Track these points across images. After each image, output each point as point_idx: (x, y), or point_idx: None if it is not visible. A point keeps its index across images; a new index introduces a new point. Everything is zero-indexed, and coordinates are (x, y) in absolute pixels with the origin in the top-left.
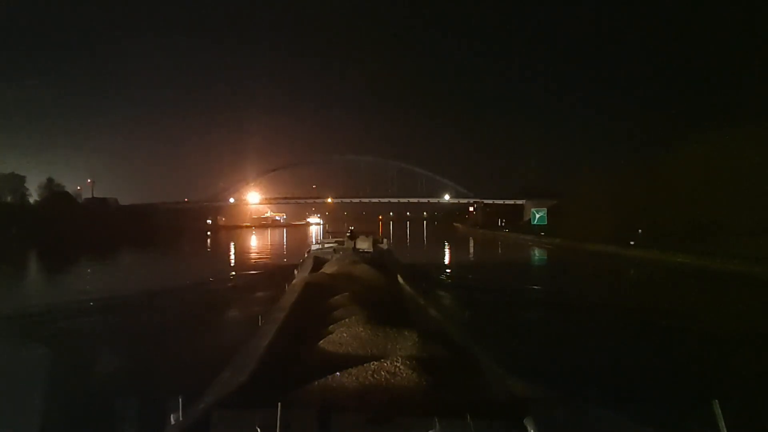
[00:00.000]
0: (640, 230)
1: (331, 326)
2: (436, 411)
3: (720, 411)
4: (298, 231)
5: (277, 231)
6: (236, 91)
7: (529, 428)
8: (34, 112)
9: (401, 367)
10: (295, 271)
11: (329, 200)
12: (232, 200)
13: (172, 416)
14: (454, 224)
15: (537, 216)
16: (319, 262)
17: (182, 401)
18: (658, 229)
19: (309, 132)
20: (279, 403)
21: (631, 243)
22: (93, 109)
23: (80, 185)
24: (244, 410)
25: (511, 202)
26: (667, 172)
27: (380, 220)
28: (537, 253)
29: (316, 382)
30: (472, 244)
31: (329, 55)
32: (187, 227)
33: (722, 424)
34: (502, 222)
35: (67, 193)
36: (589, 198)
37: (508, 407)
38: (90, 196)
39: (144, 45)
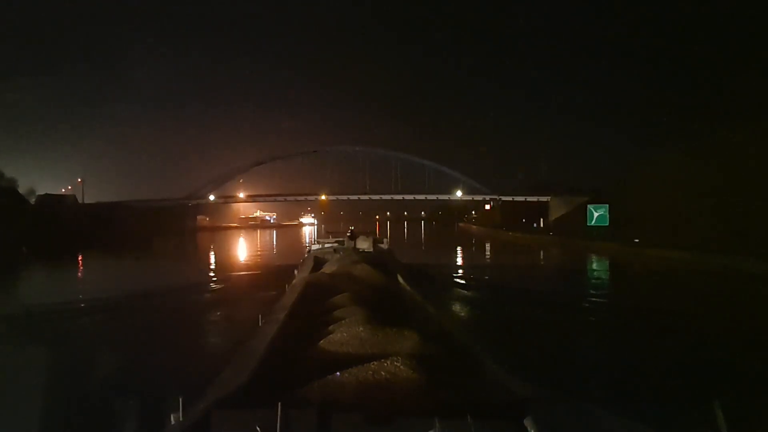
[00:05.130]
0: None
1: (331, 326)
2: (436, 411)
3: (720, 411)
4: (291, 232)
5: (267, 232)
6: (221, 79)
7: (529, 428)
8: (7, 112)
9: (401, 367)
10: (295, 271)
11: (323, 197)
12: (212, 197)
13: (172, 416)
14: (460, 224)
15: (595, 215)
16: (319, 262)
17: (182, 401)
18: None
19: (303, 124)
20: (279, 403)
21: None
22: (63, 104)
23: (64, 186)
24: (244, 410)
25: (534, 198)
26: None
27: (377, 220)
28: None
29: (316, 382)
30: (530, 267)
31: (325, 38)
32: (163, 228)
33: (722, 423)
34: (541, 222)
35: (12, 188)
36: (664, 189)
37: (508, 407)
38: (81, 196)
39: (120, 36)
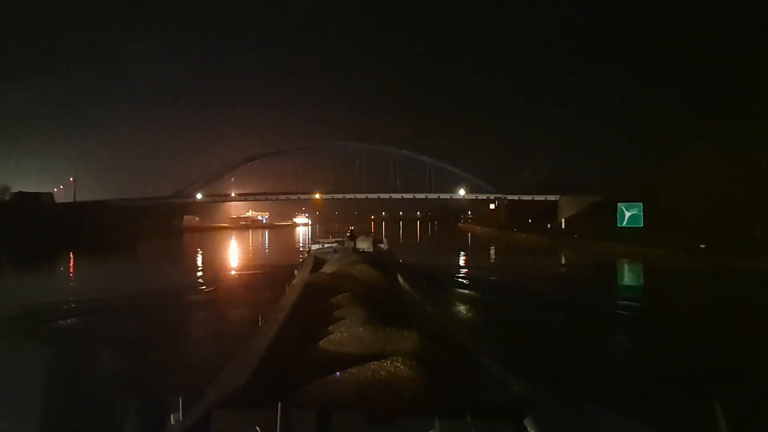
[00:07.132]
0: None
1: (331, 326)
2: (436, 411)
3: (720, 411)
4: (283, 233)
5: (258, 233)
6: (212, 74)
7: (529, 428)
8: None
9: (401, 367)
10: (295, 272)
11: (317, 196)
12: (199, 196)
13: (172, 416)
14: (459, 225)
15: (627, 215)
16: (319, 262)
17: (182, 401)
18: None
19: (296, 120)
20: (279, 403)
21: None
22: (50, 103)
23: (52, 185)
24: (244, 410)
25: (541, 197)
26: None
27: (372, 220)
28: None
29: (316, 382)
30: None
31: (320, 31)
32: (147, 228)
33: (722, 423)
34: (562, 222)
35: None
36: (699, 188)
37: (508, 407)
38: (73, 195)
39: (109, 35)
